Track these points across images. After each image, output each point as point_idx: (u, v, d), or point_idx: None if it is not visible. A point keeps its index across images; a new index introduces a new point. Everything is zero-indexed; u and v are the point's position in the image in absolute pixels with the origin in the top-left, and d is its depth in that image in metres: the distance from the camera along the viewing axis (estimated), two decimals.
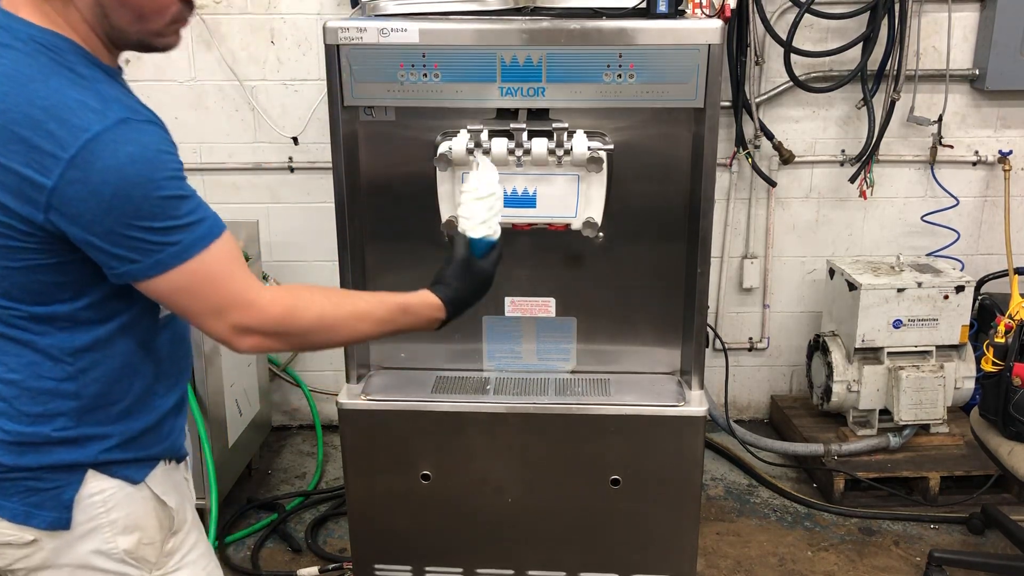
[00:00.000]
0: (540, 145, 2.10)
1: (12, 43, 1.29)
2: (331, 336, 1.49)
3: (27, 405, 1.38)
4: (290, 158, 3.44)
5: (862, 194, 3.46)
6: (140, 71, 3.34)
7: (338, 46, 2.08)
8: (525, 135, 2.10)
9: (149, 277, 1.30)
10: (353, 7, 3.00)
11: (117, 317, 1.40)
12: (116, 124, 1.26)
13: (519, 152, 2.10)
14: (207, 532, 2.78)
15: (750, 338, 3.74)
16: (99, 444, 1.42)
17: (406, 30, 2.06)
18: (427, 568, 2.41)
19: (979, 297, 3.38)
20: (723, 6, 3.12)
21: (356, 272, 2.31)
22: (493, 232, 1.71)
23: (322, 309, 1.45)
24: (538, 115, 2.14)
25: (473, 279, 1.67)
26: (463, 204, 1.73)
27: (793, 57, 3.24)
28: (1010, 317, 2.54)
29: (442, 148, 2.12)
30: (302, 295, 1.46)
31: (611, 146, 2.16)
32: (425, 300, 1.60)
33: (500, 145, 2.10)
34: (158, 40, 1.42)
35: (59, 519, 1.41)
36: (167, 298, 1.35)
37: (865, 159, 3.41)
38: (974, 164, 3.53)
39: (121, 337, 1.41)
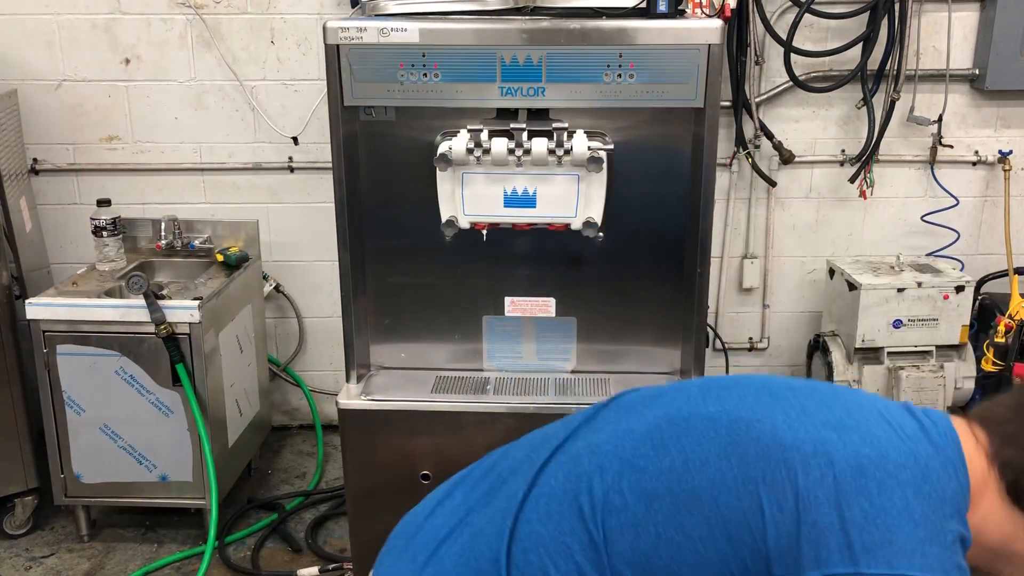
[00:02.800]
0: (540, 145, 2.10)
1: (935, 441, 1.10)
2: None
3: None
4: (290, 158, 3.44)
5: (862, 194, 3.46)
6: (140, 71, 3.34)
7: (338, 46, 2.08)
8: (525, 135, 2.10)
9: None
10: (353, 7, 3.00)
11: None
12: None
13: (519, 152, 2.10)
14: (207, 532, 2.78)
15: (750, 338, 3.73)
16: None
17: (406, 30, 2.06)
18: None
19: (979, 297, 3.38)
20: (723, 6, 3.12)
21: (356, 272, 2.31)
22: None
23: None
24: (538, 115, 2.14)
25: None
26: None
27: (793, 57, 3.24)
28: (1010, 317, 2.54)
29: (442, 148, 2.12)
30: None
31: (611, 146, 2.16)
32: None
33: (500, 145, 2.10)
34: None
35: None
36: None
37: (865, 159, 3.41)
38: (974, 164, 3.53)
39: None
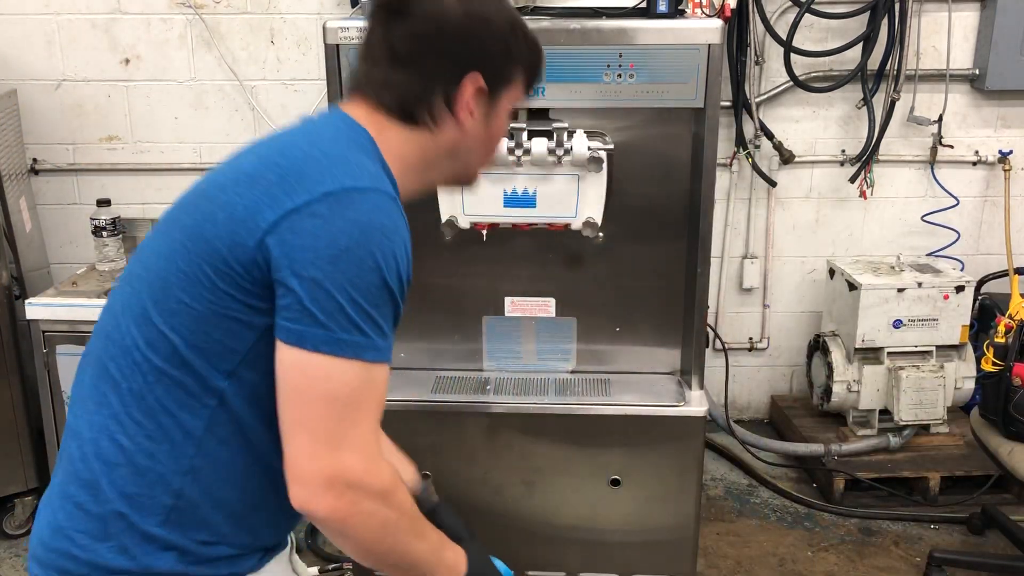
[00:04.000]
0: (540, 145, 2.10)
1: (328, 121, 1.33)
2: (397, 532, 1.25)
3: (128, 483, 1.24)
4: None
5: (862, 194, 3.46)
6: (140, 71, 3.34)
7: (338, 46, 2.08)
8: (525, 135, 2.10)
9: (313, 350, 1.14)
10: (353, 7, 3.00)
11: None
12: (385, 196, 1.21)
13: (519, 152, 2.10)
14: None
15: (750, 338, 3.74)
16: (174, 554, 1.25)
17: None
18: None
19: (979, 297, 3.38)
20: (723, 6, 3.12)
21: None
22: None
23: (414, 507, 1.29)
24: (538, 115, 2.14)
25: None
26: None
27: (793, 57, 3.24)
28: (1010, 317, 2.54)
29: None
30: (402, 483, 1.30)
31: (611, 146, 2.16)
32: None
33: (500, 145, 2.10)
34: (469, 179, 1.49)
35: None
36: (291, 383, 1.17)
37: (865, 159, 3.41)
38: (974, 164, 3.53)
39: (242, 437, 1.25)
